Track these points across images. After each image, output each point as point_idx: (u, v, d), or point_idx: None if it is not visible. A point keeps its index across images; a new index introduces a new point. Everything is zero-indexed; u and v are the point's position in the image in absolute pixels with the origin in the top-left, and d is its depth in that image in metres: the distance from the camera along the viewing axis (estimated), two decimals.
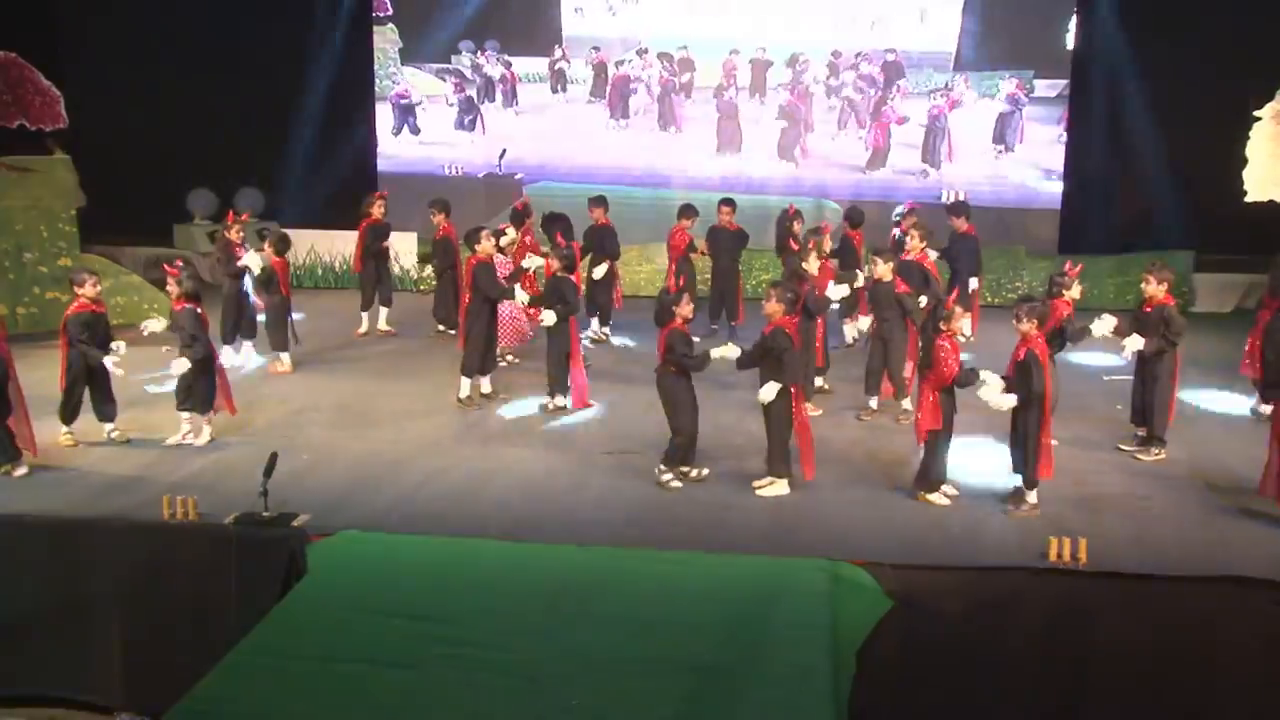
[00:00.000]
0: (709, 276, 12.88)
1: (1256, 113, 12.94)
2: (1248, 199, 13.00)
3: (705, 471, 8.49)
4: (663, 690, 5.72)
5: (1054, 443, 8.23)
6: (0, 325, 8.64)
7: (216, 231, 15.98)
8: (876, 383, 9.93)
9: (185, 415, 9.15)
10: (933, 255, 11.38)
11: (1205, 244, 14.54)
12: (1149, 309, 8.87)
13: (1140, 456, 8.93)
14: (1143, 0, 15.00)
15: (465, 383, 10.19)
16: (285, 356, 11.34)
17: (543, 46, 16.54)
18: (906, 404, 9.69)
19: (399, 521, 7.59)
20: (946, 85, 15.64)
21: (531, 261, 11.08)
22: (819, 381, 10.31)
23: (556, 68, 16.43)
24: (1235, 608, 6.62)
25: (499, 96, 16.61)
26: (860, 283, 10.30)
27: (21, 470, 8.49)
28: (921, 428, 7.97)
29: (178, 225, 16.51)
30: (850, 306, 11.54)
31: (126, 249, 15.35)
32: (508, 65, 16.51)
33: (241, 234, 11.58)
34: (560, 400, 10.06)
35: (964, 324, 11.27)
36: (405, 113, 16.72)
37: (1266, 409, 8.90)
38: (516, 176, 16.45)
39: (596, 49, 16.35)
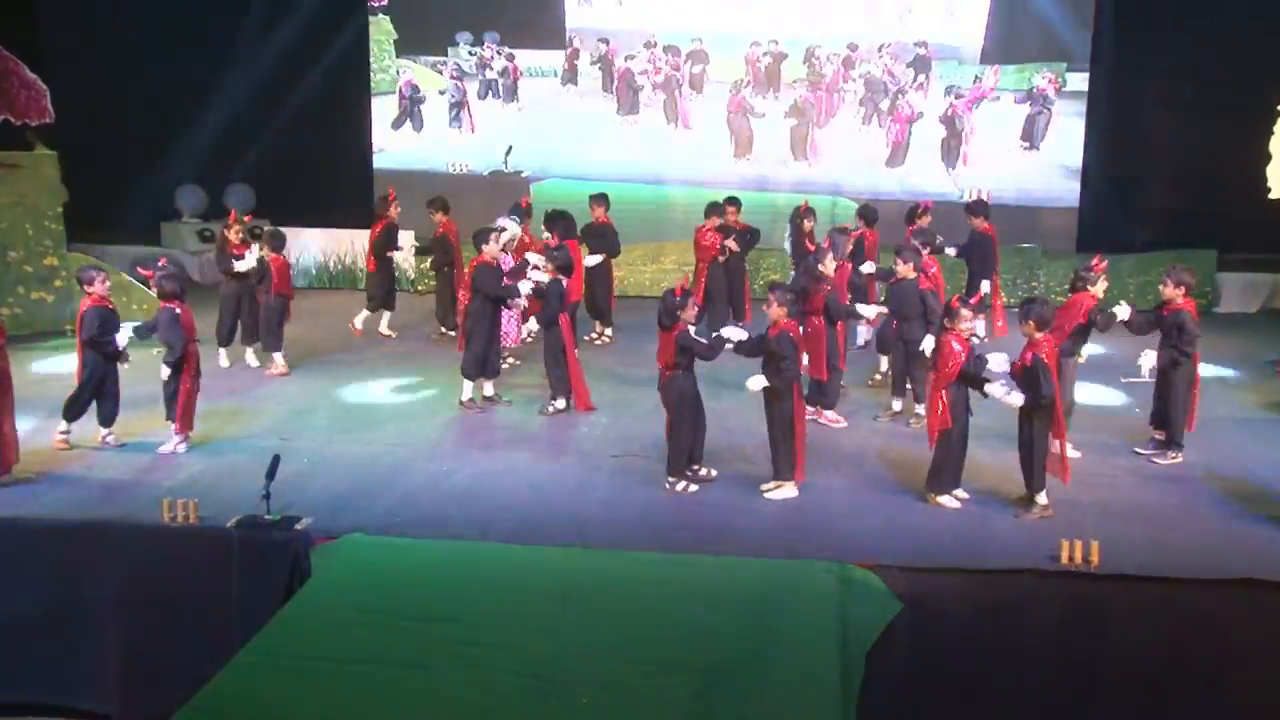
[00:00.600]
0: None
1: None
2: (1271, 196, 13.23)
3: (714, 472, 8.79)
4: (671, 691, 6.00)
5: (1071, 448, 8.52)
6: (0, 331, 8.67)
7: (206, 230, 16.37)
8: (901, 385, 10.25)
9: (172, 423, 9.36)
10: (950, 251, 11.79)
11: (1228, 243, 14.79)
12: (1166, 313, 9.14)
13: (1157, 460, 9.22)
14: None
15: (467, 385, 10.49)
16: (278, 357, 11.59)
17: (545, 39, 16.55)
18: (921, 409, 9.93)
19: (403, 525, 7.84)
20: (976, 79, 15.78)
21: (534, 258, 11.35)
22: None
23: (574, 62, 16.44)
24: (1248, 611, 6.88)
25: (500, 91, 16.66)
26: (870, 270, 10.62)
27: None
28: (932, 428, 8.26)
29: (165, 223, 16.73)
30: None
31: (112, 248, 15.58)
32: (510, 58, 16.56)
33: (241, 234, 11.74)
34: (561, 403, 10.37)
35: (979, 325, 11.72)
36: (415, 105, 16.71)
37: None
38: (522, 174, 16.57)
39: (605, 41, 16.45)
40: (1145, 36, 15.39)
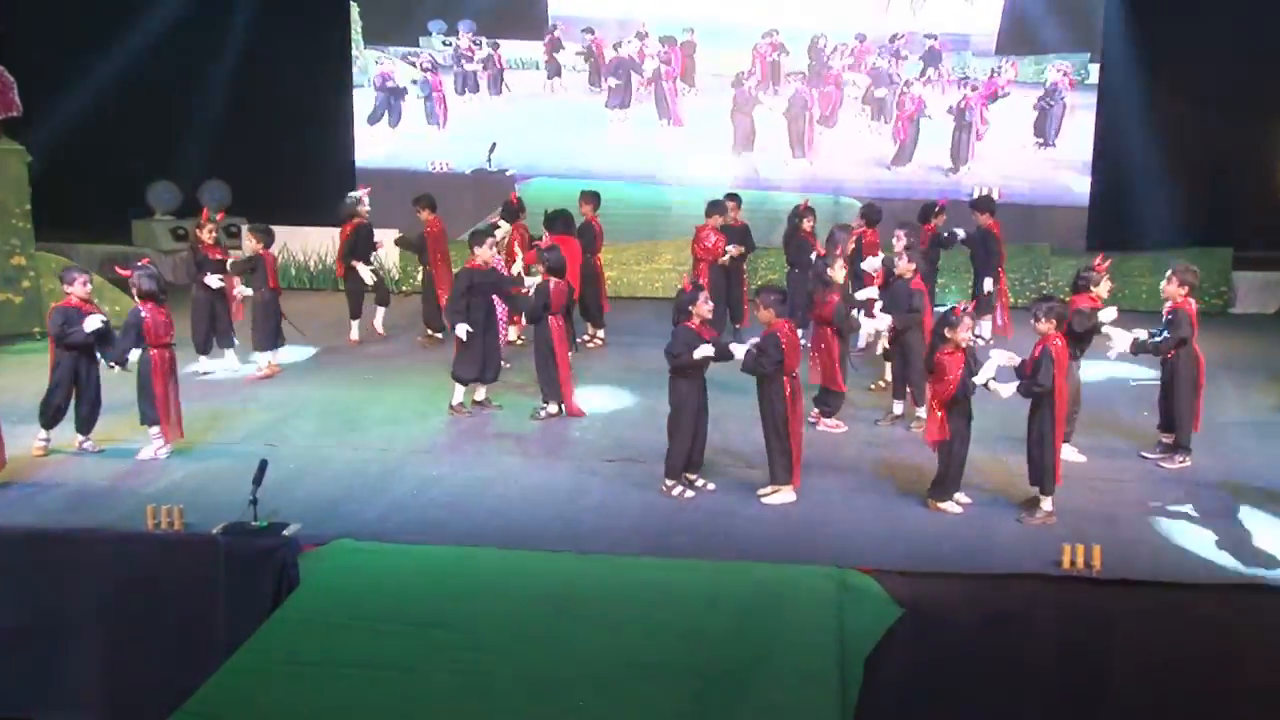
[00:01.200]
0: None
1: None
2: None
3: (712, 486, 9.06)
4: (668, 695, 6.30)
5: (1076, 452, 8.79)
6: None
7: (180, 227, 16.56)
8: (902, 388, 10.56)
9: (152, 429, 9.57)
10: (960, 232, 12.23)
11: (1244, 241, 15.05)
12: (1166, 313, 9.46)
13: (1164, 464, 9.52)
14: None
15: (458, 389, 10.74)
16: (268, 357, 11.81)
17: (525, 28, 16.46)
18: (921, 412, 10.22)
19: (393, 530, 8.09)
20: (993, 73, 16.05)
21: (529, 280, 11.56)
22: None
23: (553, 53, 16.41)
24: (1254, 616, 7.18)
25: (482, 84, 16.66)
26: (875, 265, 11.00)
27: None
28: (929, 438, 8.57)
29: (136, 221, 16.88)
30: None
31: (81, 246, 15.80)
32: (495, 46, 16.56)
33: (214, 234, 11.92)
34: (552, 408, 10.66)
35: (983, 326, 12.12)
36: (392, 97, 16.76)
37: None
38: (507, 172, 16.64)
39: (589, 31, 16.49)
40: (1158, 28, 15.58)
